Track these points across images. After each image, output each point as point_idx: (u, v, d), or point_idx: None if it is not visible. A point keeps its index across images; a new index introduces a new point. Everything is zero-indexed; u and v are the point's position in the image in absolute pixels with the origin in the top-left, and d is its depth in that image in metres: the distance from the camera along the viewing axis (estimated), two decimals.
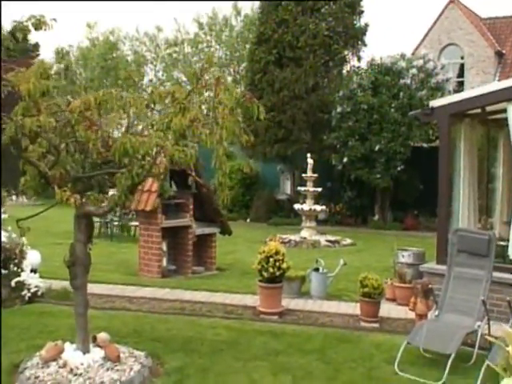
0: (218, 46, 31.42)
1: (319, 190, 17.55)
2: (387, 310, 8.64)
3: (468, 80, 27.66)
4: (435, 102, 8.86)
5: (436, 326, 6.70)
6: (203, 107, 6.53)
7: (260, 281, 8.22)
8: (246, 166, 6.16)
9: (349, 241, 16.98)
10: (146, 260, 11.02)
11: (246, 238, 17.81)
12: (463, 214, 9.50)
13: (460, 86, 26.81)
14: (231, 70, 31.79)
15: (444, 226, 9.02)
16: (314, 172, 17.69)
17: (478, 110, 9.19)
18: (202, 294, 9.32)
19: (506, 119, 10.52)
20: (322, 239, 16.75)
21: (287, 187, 23.75)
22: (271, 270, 7.98)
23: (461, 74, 28.30)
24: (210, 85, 5.59)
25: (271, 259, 7.99)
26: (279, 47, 21.09)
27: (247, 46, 26.26)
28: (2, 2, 5.05)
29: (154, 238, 10.88)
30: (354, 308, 8.63)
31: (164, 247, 11.50)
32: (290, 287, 9.10)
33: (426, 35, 28.99)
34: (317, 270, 9.33)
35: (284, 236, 17.19)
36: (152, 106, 5.69)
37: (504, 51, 28.37)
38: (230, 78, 32.03)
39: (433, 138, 19.52)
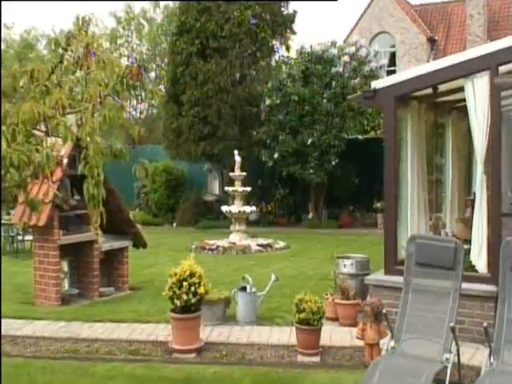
0: (138, 41, 29.52)
1: (248, 189, 16.06)
2: (328, 333, 7.17)
3: (400, 68, 26.79)
4: (378, 83, 7.44)
5: (394, 363, 5.26)
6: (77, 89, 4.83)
7: (172, 310, 6.60)
8: (140, 169, 4.58)
9: (282, 244, 15.55)
10: (42, 285, 9.19)
11: (169, 246, 16.19)
12: (412, 213, 8.14)
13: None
14: (153, 65, 29.93)
15: (392, 228, 7.62)
16: (242, 170, 16.20)
17: (426, 92, 7.85)
18: (105, 327, 7.59)
19: (454, 101, 9.30)
20: (253, 243, 15.26)
21: (215, 187, 22.14)
22: (185, 296, 6.37)
23: (392, 62, 27.42)
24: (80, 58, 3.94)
25: (185, 283, 6.38)
26: (202, 37, 19.42)
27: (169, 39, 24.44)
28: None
29: (50, 258, 9.06)
30: (289, 335, 7.12)
31: (65, 267, 9.73)
32: (212, 312, 7.52)
33: (357, 23, 28.08)
34: (244, 289, 7.77)
35: (211, 242, 15.65)
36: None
37: (436, 37, 27.72)
38: (153, 74, 30.24)
39: (368, 129, 18.40)
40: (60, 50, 3.79)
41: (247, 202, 18.32)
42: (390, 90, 7.31)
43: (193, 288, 6.39)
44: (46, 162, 3.44)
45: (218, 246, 15.00)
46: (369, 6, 28.48)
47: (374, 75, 18.07)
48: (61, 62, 3.79)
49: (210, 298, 7.29)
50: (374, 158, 19.10)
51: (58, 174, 8.80)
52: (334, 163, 18.19)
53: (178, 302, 6.41)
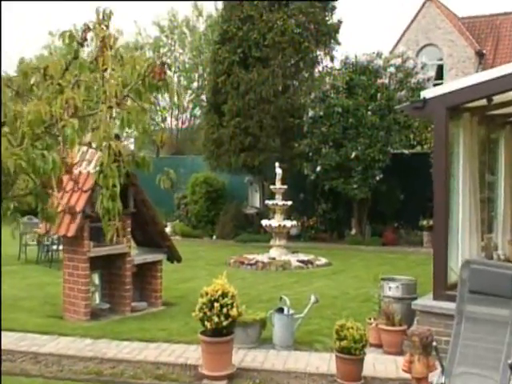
0: (181, 50, 29.30)
1: (289, 203, 15.55)
2: (372, 362, 6.61)
3: (447, 82, 25.94)
4: (428, 92, 6.89)
5: None
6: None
7: (202, 333, 6.14)
8: (164, 180, 4.18)
9: (323, 260, 14.98)
10: (71, 298, 8.84)
11: (208, 259, 15.78)
12: (463, 233, 7.54)
13: None
14: (196, 75, 29.69)
15: (442, 249, 7.04)
16: (283, 183, 15.73)
17: (479, 103, 7.26)
18: (132, 347, 7.16)
19: (508, 115, 8.68)
20: (293, 259, 14.73)
21: (256, 200, 21.66)
22: (216, 319, 5.90)
23: (439, 75, 26.64)
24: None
25: (216, 304, 5.91)
26: (244, 46, 19.04)
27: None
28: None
29: (80, 271, 8.71)
30: (328, 362, 6.58)
31: (96, 280, 9.39)
32: (247, 334, 7.03)
33: (403, 35, 27.40)
34: (281, 310, 7.26)
35: (251, 256, 15.19)
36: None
37: (484, 51, 26.84)
38: (195, 84, 30.01)
39: (414, 144, 17.74)
40: (75, 45, 3.36)
41: (288, 216, 17.81)
42: (441, 100, 6.75)
43: (225, 309, 5.91)
44: (52, 169, 3.02)
45: (257, 261, 14.53)
46: (415, 17, 27.79)
47: (421, 88, 17.37)
48: (76, 57, 3.36)
49: (245, 319, 6.82)
50: (420, 173, 18.65)
51: (90, 182, 8.47)
52: (378, 178, 17.56)
53: (208, 325, 5.94)
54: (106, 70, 3.31)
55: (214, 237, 20.58)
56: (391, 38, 45.85)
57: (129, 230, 9.25)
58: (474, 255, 7.77)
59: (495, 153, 9.15)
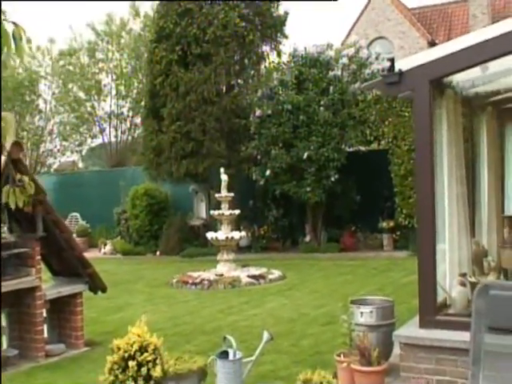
0: (117, 55, 27.31)
1: (237, 212, 13.91)
2: None
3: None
4: (405, 63, 5.37)
5: None
6: None
7: None
8: (16, 195, 2.87)
9: (277, 273, 13.36)
10: None
11: (149, 279, 14.09)
12: (451, 238, 6.03)
13: None
14: (135, 81, 27.74)
15: (429, 261, 5.50)
16: (230, 190, 14.12)
17: (466, 76, 5.77)
18: None
19: (491, 94, 7.23)
20: (243, 274, 13.11)
21: (202, 210, 19.91)
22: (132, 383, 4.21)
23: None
24: None
25: (132, 363, 4.24)
26: (183, 43, 17.35)
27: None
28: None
29: None
30: None
31: (3, 322, 7.61)
32: None
33: (352, 29, 26.19)
34: (225, 354, 5.57)
35: (196, 274, 13.54)
36: None
37: (437, 41, 25.82)
38: (135, 91, 28.07)
39: (371, 139, 16.32)
40: None
41: (237, 227, 16.24)
42: (423, 72, 5.23)
43: (144, 369, 4.23)
44: None
45: (203, 280, 12.87)
46: (364, 10, 26.66)
47: (376, 79, 16.01)
48: None
49: (178, 369, 5.13)
50: (377, 171, 17.26)
51: None
52: (333, 179, 16.08)
53: None
54: None
55: (158, 253, 18.84)
56: (339, 33, 44.68)
57: (38, 258, 7.49)
58: (464, 265, 6.28)
59: (477, 141, 7.67)
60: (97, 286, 8.22)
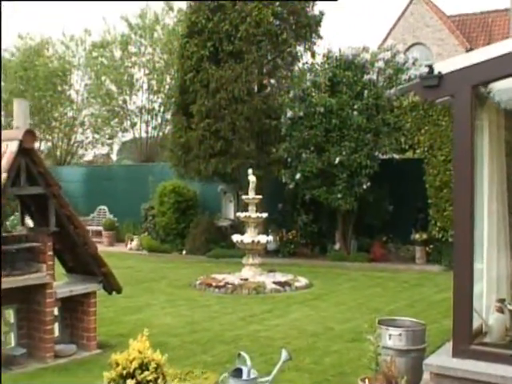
0: (150, 49, 27.10)
1: (264, 215, 13.52)
2: None
3: None
4: (445, 65, 4.91)
5: None
6: None
7: None
8: None
9: (303, 281, 12.95)
10: None
11: (172, 279, 13.79)
12: (490, 258, 5.56)
13: None
14: (167, 76, 27.49)
15: (466, 284, 5.04)
16: (259, 192, 13.75)
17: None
18: None
19: None
20: (269, 280, 12.72)
21: (230, 211, 19.57)
22: None
23: None
24: None
25: (130, 381, 3.85)
26: (215, 39, 16.98)
27: None
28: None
29: None
30: None
31: (11, 319, 7.33)
32: None
33: (389, 33, 25.58)
34: (238, 371, 5.16)
35: (220, 276, 13.21)
36: None
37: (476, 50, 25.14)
38: (167, 86, 27.83)
39: (405, 148, 15.78)
40: None
41: (265, 230, 15.86)
42: (465, 76, 4.77)
43: None
44: None
45: (227, 283, 12.51)
46: (402, 14, 26.06)
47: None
48: None
49: None
50: (411, 181, 16.69)
51: None
52: (365, 187, 15.54)
53: None
54: None
55: (184, 252, 18.51)
56: (376, 37, 44.03)
57: (50, 253, 7.18)
58: (503, 288, 5.80)
59: None
60: (111, 286, 7.90)
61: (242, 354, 5.07)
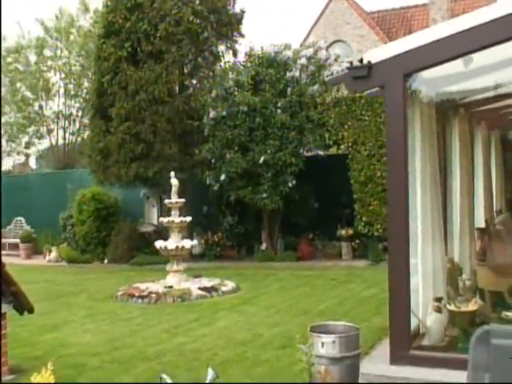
0: (66, 52, 26.10)
1: (188, 219, 13.00)
2: None
3: None
4: (373, 54, 4.60)
5: None
6: None
7: None
8: None
9: (230, 285, 12.51)
10: None
11: (92, 291, 13.07)
12: (425, 253, 5.30)
13: None
14: (85, 80, 26.57)
15: (403, 285, 4.74)
16: (182, 196, 13.25)
17: (442, 72, 5.03)
18: None
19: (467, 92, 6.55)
20: (194, 287, 12.19)
21: (154, 216, 18.96)
22: None
23: None
24: None
25: None
26: (133, 39, 16.38)
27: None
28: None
29: None
30: None
31: None
32: None
33: (310, 31, 25.54)
34: None
35: (143, 286, 12.58)
36: None
37: None
38: (84, 91, 26.90)
39: (330, 143, 15.63)
40: None
41: (189, 234, 15.37)
42: (396, 64, 4.47)
43: None
44: None
45: (151, 293, 11.89)
46: (322, 13, 26.09)
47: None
48: None
49: None
50: (337, 177, 16.52)
51: None
52: (290, 185, 15.31)
53: None
54: None
55: (106, 261, 17.81)
56: (297, 35, 44.09)
57: None
58: (439, 285, 5.54)
59: (449, 145, 6.98)
60: (22, 305, 7.23)
61: (163, 376, 4.59)
